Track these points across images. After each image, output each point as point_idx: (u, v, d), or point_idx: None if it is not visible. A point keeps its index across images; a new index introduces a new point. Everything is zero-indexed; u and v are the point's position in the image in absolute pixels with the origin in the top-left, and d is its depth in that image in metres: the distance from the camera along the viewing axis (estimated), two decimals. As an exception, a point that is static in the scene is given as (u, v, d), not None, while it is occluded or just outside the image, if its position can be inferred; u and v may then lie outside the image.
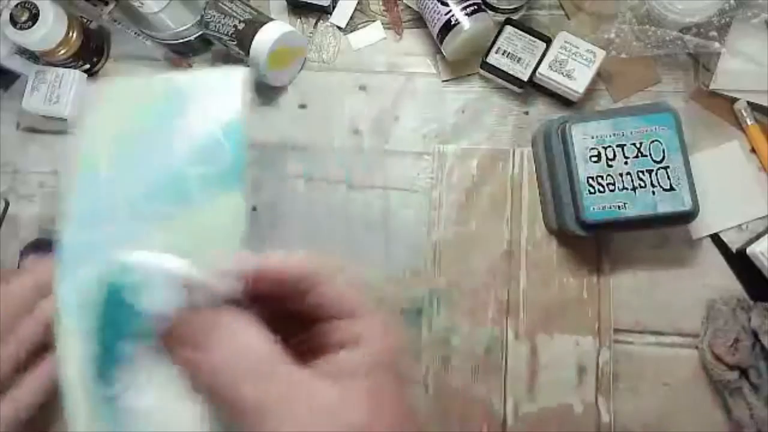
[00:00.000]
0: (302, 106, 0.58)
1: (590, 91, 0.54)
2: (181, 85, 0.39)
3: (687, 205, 0.44)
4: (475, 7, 0.52)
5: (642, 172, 0.45)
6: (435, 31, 0.54)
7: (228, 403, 0.21)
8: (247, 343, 0.22)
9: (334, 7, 0.59)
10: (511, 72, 0.53)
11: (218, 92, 0.39)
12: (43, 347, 0.29)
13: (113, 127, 0.40)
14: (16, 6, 0.54)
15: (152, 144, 0.37)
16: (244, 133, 0.37)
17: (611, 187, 0.45)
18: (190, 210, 0.36)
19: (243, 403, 0.21)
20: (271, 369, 0.22)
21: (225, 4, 0.54)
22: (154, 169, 0.37)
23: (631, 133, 0.45)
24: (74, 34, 0.57)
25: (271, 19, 0.54)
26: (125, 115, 0.41)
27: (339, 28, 0.59)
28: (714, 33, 0.50)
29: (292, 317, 0.25)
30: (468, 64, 0.56)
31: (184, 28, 0.57)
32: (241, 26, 0.53)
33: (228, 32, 0.54)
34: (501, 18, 0.55)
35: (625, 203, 0.45)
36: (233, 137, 0.38)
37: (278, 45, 0.53)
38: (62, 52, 0.56)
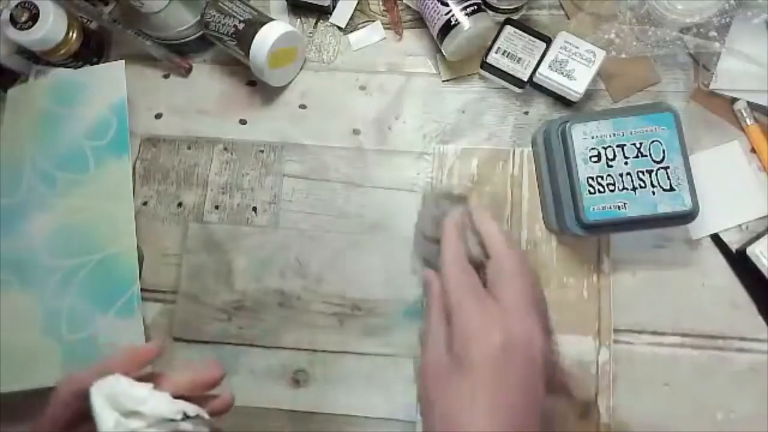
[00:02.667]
0: (302, 106, 0.58)
1: (590, 91, 0.54)
2: (76, 79, 0.57)
3: (687, 205, 0.44)
4: (475, 7, 0.52)
5: (642, 172, 0.45)
6: (435, 31, 0.54)
7: None
8: None
9: (334, 7, 0.59)
10: (511, 72, 0.53)
11: (106, 81, 0.56)
12: None
13: (28, 119, 0.56)
14: (16, 6, 0.54)
15: (57, 127, 0.55)
16: (126, 111, 0.54)
17: (611, 188, 0.45)
18: (88, 174, 0.54)
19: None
20: None
21: (225, 4, 0.54)
22: (59, 146, 0.55)
23: (631, 133, 0.45)
24: (74, 34, 0.57)
25: (271, 19, 0.54)
26: (36, 108, 0.57)
27: (339, 28, 0.59)
28: (714, 33, 0.50)
29: None
30: (468, 64, 0.56)
31: (184, 28, 0.57)
32: (241, 26, 0.53)
33: (228, 32, 0.54)
34: (501, 18, 0.55)
35: (625, 203, 0.45)
36: (119, 115, 0.55)
37: (278, 45, 0.53)
38: (62, 52, 0.56)
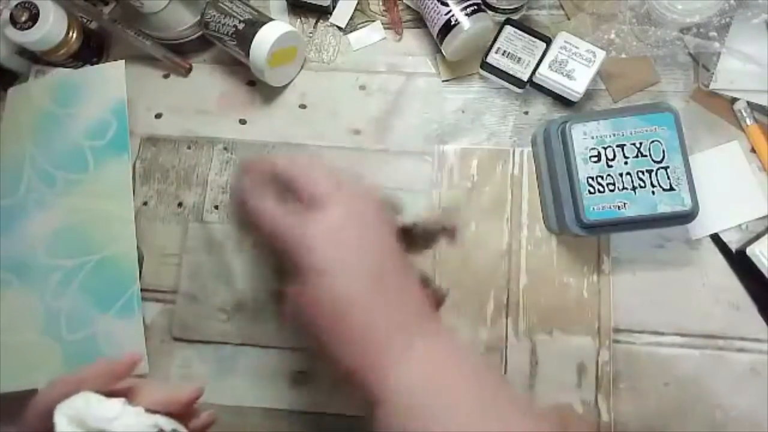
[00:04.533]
0: (302, 106, 0.58)
1: (590, 91, 0.54)
2: (76, 79, 0.57)
3: (687, 205, 0.44)
4: (475, 7, 0.52)
5: (642, 172, 0.45)
6: (435, 31, 0.54)
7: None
8: None
9: (334, 7, 0.59)
10: (511, 72, 0.53)
11: (106, 81, 0.56)
12: None
13: (28, 119, 0.56)
14: (16, 6, 0.54)
15: (57, 127, 0.56)
16: (126, 111, 0.54)
17: (611, 188, 0.45)
18: (87, 174, 0.54)
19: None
20: None
21: (225, 4, 0.54)
22: (59, 145, 0.55)
23: (631, 133, 0.45)
24: (74, 34, 0.57)
25: (271, 19, 0.54)
26: (36, 108, 0.57)
27: (339, 28, 0.59)
28: (714, 33, 0.51)
29: None
30: (468, 64, 0.56)
31: (184, 28, 0.57)
32: (241, 26, 0.53)
33: (228, 32, 0.54)
34: (501, 18, 0.55)
35: (625, 203, 0.45)
36: (119, 115, 0.55)
37: (278, 45, 0.53)
38: (62, 52, 0.56)
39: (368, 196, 0.39)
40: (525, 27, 0.54)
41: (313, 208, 0.36)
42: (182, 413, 0.35)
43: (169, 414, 0.33)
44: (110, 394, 0.32)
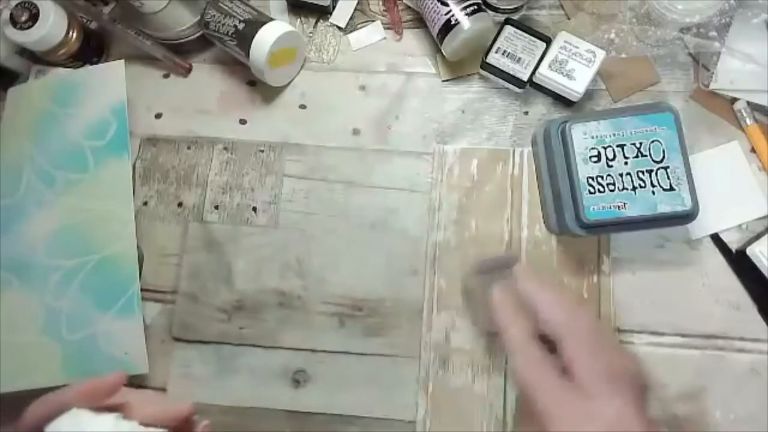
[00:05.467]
0: (302, 106, 0.58)
1: (590, 91, 0.54)
2: (76, 79, 0.58)
3: (687, 205, 0.44)
4: (475, 7, 0.52)
5: (642, 172, 0.45)
6: (435, 31, 0.54)
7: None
8: None
9: (334, 7, 0.59)
10: (511, 72, 0.53)
11: (106, 82, 0.56)
12: None
13: (28, 119, 0.56)
14: (16, 6, 0.54)
15: (57, 127, 0.55)
16: (126, 111, 0.54)
17: (611, 188, 0.45)
18: (87, 174, 0.54)
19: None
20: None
21: (225, 4, 0.54)
22: (59, 145, 0.55)
23: (631, 133, 0.45)
24: (74, 34, 0.57)
25: (271, 19, 0.54)
26: (36, 108, 0.57)
27: (339, 28, 0.59)
28: (714, 33, 0.51)
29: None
30: (468, 64, 0.56)
31: (184, 28, 0.57)
32: (241, 26, 0.53)
33: (228, 32, 0.54)
34: (501, 18, 0.55)
35: (625, 203, 0.45)
36: (118, 115, 0.55)
37: (278, 45, 0.53)
38: (62, 52, 0.56)
39: (641, 393, 0.34)
40: (525, 27, 0.54)
41: (585, 394, 0.33)
42: (179, 427, 0.34)
43: (166, 427, 0.33)
44: (103, 410, 0.31)
